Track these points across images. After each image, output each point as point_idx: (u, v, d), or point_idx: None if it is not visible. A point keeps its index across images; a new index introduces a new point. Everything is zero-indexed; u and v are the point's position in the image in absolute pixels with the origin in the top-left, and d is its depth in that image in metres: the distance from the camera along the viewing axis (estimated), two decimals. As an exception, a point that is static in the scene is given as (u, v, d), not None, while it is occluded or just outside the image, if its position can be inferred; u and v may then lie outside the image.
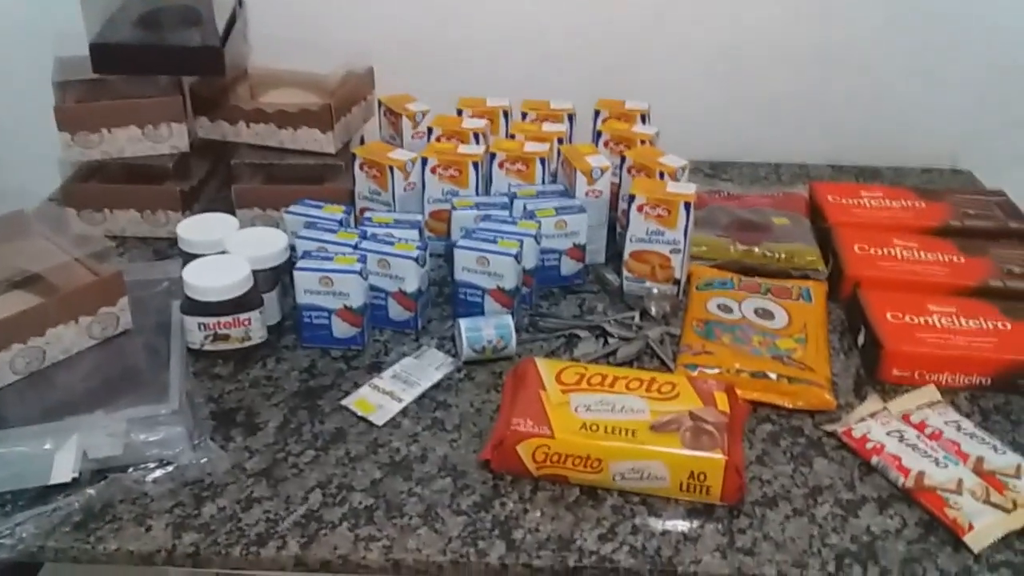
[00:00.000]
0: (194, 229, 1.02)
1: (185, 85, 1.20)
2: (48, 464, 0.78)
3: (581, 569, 0.74)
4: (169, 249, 1.17)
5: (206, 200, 1.26)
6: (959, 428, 0.86)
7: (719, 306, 1.02)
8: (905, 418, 0.88)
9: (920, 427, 0.86)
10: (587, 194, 1.11)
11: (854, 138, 1.48)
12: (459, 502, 0.80)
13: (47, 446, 0.79)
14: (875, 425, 0.86)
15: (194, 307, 0.93)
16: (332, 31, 1.38)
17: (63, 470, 0.78)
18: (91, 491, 0.79)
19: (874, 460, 0.83)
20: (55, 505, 0.78)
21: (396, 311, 1.01)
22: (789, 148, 1.49)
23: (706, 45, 1.42)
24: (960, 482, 0.78)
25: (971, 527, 0.75)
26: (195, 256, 0.97)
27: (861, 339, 1.00)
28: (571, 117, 1.27)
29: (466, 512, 0.79)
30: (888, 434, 0.85)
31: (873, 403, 0.90)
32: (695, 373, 0.92)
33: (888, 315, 0.98)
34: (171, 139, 1.17)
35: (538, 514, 0.79)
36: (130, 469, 0.81)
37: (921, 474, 0.80)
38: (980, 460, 0.81)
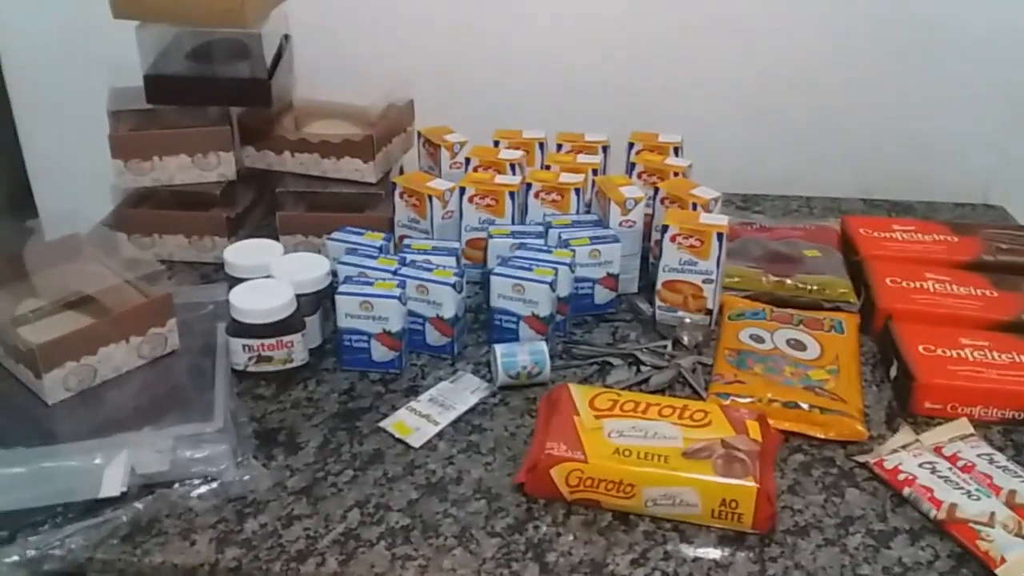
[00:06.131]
0: (240, 254, 1.05)
1: (233, 116, 1.25)
2: (98, 479, 0.81)
3: (613, 592, 0.75)
4: (215, 273, 1.21)
5: (251, 227, 1.30)
6: (992, 461, 0.86)
7: (751, 336, 1.03)
8: (937, 450, 0.88)
9: (952, 459, 0.86)
10: (621, 224, 1.13)
11: (886, 173, 1.49)
12: (493, 524, 0.81)
13: (97, 461, 0.82)
14: (907, 457, 0.87)
15: (239, 329, 0.96)
16: (374, 65, 1.42)
17: (112, 484, 0.80)
18: (138, 505, 0.81)
19: (906, 491, 0.84)
20: (104, 518, 0.80)
21: (433, 336, 1.03)
22: (821, 182, 1.50)
23: (739, 81, 1.45)
24: (992, 515, 0.79)
25: (1003, 560, 0.75)
26: (240, 280, 1.00)
27: (893, 371, 1.00)
28: (605, 149, 1.29)
29: (500, 534, 0.80)
30: (920, 466, 0.85)
31: (905, 435, 0.91)
32: (727, 402, 0.93)
33: (920, 348, 0.98)
34: (219, 167, 1.21)
35: (571, 538, 0.80)
36: (176, 485, 0.83)
37: (953, 506, 0.80)
38: (1013, 493, 0.81)
